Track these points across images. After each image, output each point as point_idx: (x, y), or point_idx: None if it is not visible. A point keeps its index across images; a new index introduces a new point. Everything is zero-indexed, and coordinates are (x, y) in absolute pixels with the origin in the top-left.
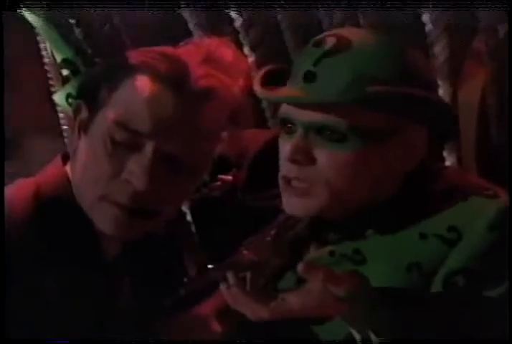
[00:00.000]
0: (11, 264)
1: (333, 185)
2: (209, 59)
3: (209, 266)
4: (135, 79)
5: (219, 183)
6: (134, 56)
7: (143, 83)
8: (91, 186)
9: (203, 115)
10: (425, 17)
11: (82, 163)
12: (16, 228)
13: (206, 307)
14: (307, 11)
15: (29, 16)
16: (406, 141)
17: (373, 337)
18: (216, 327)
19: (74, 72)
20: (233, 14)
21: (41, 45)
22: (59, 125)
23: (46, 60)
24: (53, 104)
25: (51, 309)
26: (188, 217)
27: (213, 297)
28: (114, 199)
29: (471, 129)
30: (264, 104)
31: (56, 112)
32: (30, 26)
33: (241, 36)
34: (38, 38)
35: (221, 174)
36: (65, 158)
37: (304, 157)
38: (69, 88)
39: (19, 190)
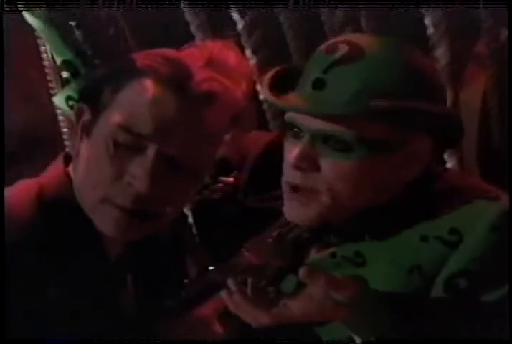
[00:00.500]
0: (14, 264)
1: (336, 193)
2: (211, 63)
3: (210, 267)
4: (138, 81)
5: (220, 185)
6: (137, 59)
7: (145, 86)
8: (93, 188)
9: (205, 118)
10: (427, 20)
11: (84, 165)
12: (19, 229)
13: (208, 308)
14: (309, 14)
15: (29, 17)
16: (412, 151)
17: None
18: (218, 328)
19: (74, 74)
20: (235, 16)
21: (42, 47)
22: (59, 127)
23: (46, 62)
24: (53, 107)
25: (54, 310)
26: (190, 219)
27: (215, 299)
28: (116, 201)
29: (472, 131)
30: (266, 106)
31: (56, 114)
32: (30, 28)
33: (243, 39)
34: (38, 40)
35: (223, 176)
36: (67, 159)
37: (309, 164)
38: (69, 90)
39: (21, 191)
